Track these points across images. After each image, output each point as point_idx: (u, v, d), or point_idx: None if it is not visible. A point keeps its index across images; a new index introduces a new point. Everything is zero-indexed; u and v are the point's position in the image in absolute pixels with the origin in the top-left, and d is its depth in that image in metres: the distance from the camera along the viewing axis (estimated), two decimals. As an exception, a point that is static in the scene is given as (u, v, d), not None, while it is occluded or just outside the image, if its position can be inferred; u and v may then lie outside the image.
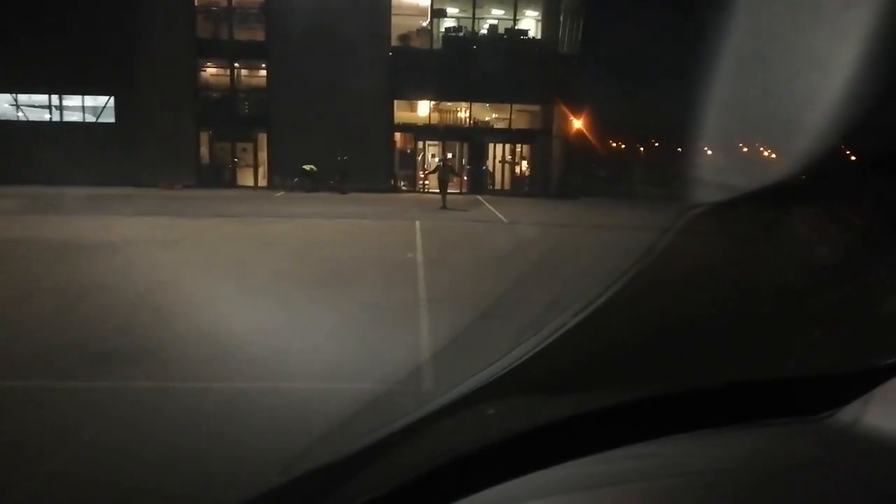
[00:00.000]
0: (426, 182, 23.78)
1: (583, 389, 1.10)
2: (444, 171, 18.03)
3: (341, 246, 10.49)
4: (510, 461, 0.89)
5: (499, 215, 16.35)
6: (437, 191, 18.71)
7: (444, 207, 17.27)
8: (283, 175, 22.44)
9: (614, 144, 46.67)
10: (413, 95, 24.44)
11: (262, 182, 23.34)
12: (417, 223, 13.66)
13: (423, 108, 24.99)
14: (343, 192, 21.25)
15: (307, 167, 21.47)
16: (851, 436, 0.97)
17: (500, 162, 25.00)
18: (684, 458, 0.95)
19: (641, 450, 0.94)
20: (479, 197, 21.89)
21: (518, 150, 25.34)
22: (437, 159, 22.94)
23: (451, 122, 25.26)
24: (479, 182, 23.94)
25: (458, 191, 22.67)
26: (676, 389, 1.03)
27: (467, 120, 25.06)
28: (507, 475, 0.87)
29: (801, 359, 1.30)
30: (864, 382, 1.02)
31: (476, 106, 24.87)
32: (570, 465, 0.90)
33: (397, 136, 24.77)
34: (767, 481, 0.91)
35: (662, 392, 1.02)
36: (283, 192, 21.62)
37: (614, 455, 0.92)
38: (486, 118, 25.72)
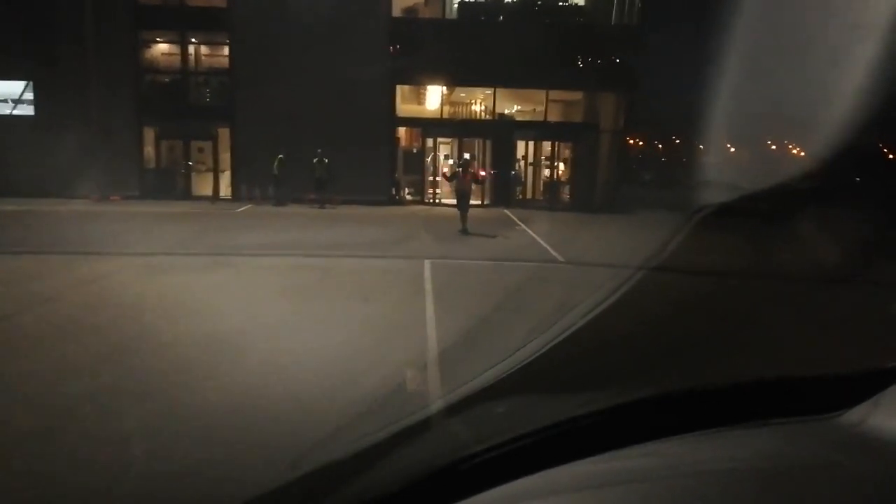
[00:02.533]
0: (438, 191, 21.63)
1: (589, 389, 1.17)
2: (463, 179, 15.03)
3: (278, 341, 6.24)
4: (517, 459, 0.99)
5: (546, 246, 13.25)
6: (453, 203, 16.33)
7: (464, 231, 14.67)
8: (251, 182, 20.87)
9: (677, 141, 41.00)
10: (420, 80, 21.84)
11: (226, 191, 19.36)
12: (427, 265, 10.31)
13: (434, 97, 22.44)
14: (321, 205, 19.06)
15: (276, 166, 17.07)
16: (860, 436, 1.06)
17: (530, 164, 20.88)
18: (692, 457, 1.04)
19: (649, 448, 1.03)
20: (506, 211, 20.27)
21: (555, 149, 22.93)
22: (451, 162, 18.04)
23: (469, 115, 22.58)
24: (506, 191, 20.01)
25: (479, 202, 20.75)
26: (684, 389, 1.12)
27: (489, 111, 22.30)
28: (515, 473, 0.96)
29: (811, 359, 1.46)
30: (873, 383, 1.11)
31: (501, 93, 22.08)
32: (577, 464, 0.98)
33: (401, 131, 22.27)
34: (775, 480, 0.99)
35: (670, 391, 1.11)
36: (248, 206, 19.66)
37: (622, 454, 1.01)
38: (514, 109, 23.18)
